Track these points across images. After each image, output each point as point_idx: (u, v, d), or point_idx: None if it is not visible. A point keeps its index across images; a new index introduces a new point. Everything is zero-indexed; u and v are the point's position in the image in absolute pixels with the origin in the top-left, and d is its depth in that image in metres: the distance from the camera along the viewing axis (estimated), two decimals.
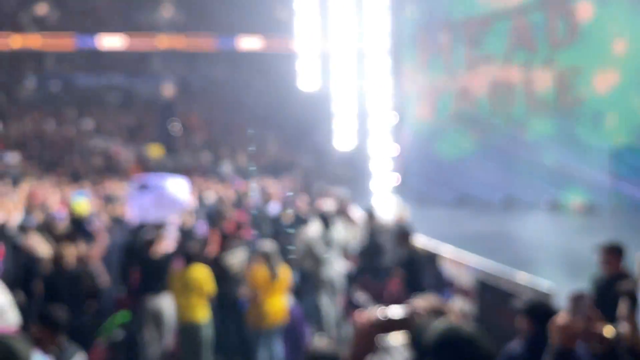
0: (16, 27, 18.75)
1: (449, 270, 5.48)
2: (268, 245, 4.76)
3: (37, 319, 2.76)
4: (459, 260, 5.49)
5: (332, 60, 14.38)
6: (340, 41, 13.96)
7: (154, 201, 6.49)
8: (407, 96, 13.30)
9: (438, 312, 2.35)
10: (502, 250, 6.90)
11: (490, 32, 12.35)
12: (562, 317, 1.67)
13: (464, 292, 5.08)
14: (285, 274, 4.67)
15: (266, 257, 4.56)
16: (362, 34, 13.22)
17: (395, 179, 12.31)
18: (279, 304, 4.55)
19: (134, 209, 6.72)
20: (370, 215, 6.57)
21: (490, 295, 4.64)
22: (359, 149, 13.42)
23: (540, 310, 2.49)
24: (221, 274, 4.85)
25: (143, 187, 6.85)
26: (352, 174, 13.65)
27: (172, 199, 6.63)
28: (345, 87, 13.74)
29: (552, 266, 6.61)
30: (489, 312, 4.56)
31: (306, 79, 15.91)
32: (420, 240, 5.74)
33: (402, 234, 5.26)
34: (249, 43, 18.55)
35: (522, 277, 4.46)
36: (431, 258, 5.55)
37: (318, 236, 5.54)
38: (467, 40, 12.73)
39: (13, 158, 15.30)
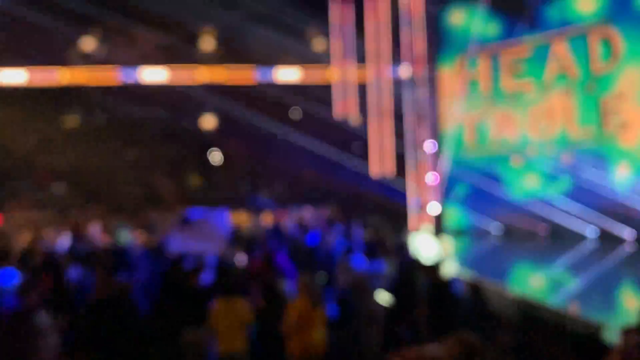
0: (63, 61, 19.58)
1: (493, 302, 5.35)
2: (308, 276, 4.76)
3: (81, 346, 2.81)
4: (502, 292, 5.36)
5: (369, 88, 14.48)
6: (378, 69, 14.07)
7: (195, 233, 6.62)
8: (446, 124, 13.24)
9: (473, 352, 2.28)
10: (548, 283, 6.71)
11: (529, 58, 12.26)
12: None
13: (508, 326, 4.95)
14: (324, 305, 4.65)
15: (306, 288, 4.55)
16: (400, 61, 13.30)
17: (435, 208, 12.19)
18: (319, 335, 4.52)
19: (176, 240, 6.86)
20: (401, 247, 6.51)
21: (536, 328, 4.50)
22: (397, 178, 13.37)
23: (589, 347, 2.40)
24: (272, 300, 4.86)
25: (185, 221, 7.00)
26: (389, 203, 13.57)
27: (212, 232, 6.75)
28: (383, 115, 13.78)
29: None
30: (534, 346, 4.42)
31: (343, 108, 16.03)
32: (463, 272, 5.65)
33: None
34: (286, 75, 18.87)
35: (572, 309, 4.32)
36: (474, 290, 5.44)
37: (362, 267, 5.52)
38: (505, 67, 12.65)
39: (58, 188, 15.84)
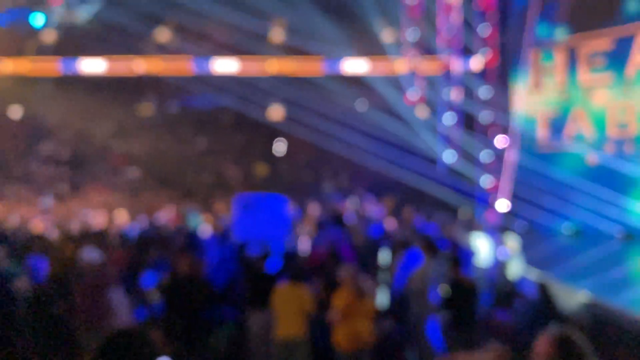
0: (139, 52, 20.37)
1: (563, 303, 5.19)
2: (352, 267, 4.78)
3: (156, 325, 2.96)
4: (571, 293, 5.20)
5: (438, 80, 14.27)
6: (447, 61, 13.83)
7: (256, 219, 6.73)
8: (517, 118, 12.85)
9: (570, 347, 2.15)
10: (621, 285, 6.43)
11: (609, 51, 11.68)
12: None
13: (578, 328, 4.79)
14: (373, 296, 4.67)
15: (351, 279, 4.56)
16: (470, 53, 13.01)
17: (503, 205, 11.89)
18: (365, 325, 4.52)
19: (239, 225, 7.01)
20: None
21: (607, 331, 4.35)
22: (464, 173, 13.12)
23: None
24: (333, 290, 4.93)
25: (247, 206, 7.11)
26: (455, 198, 13.35)
27: (274, 217, 6.84)
28: (452, 108, 13.55)
29: None
30: (605, 350, 4.27)
31: (411, 100, 15.89)
32: (532, 272, 5.51)
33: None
34: (354, 66, 18.86)
35: None
36: (543, 291, 5.29)
37: (427, 262, 5.47)
38: (583, 60, 12.12)
39: (133, 173, 16.61)
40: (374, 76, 17.91)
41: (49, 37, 22.02)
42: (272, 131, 18.62)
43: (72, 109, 20.47)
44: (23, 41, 21.91)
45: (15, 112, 20.99)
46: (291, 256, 6.01)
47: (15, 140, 18.78)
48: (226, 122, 19.99)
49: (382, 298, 5.22)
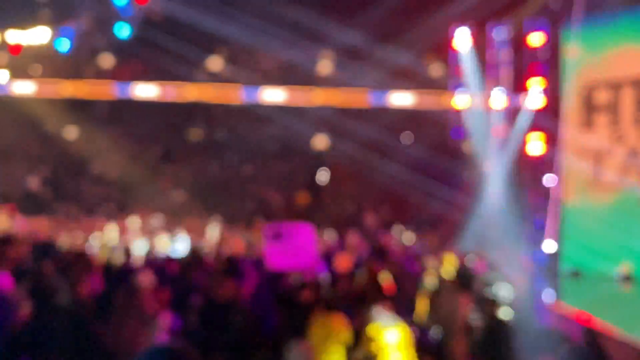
0: (190, 79, 20.99)
1: (614, 353, 4.93)
2: (388, 301, 4.70)
3: (194, 345, 2.93)
4: (626, 341, 4.92)
5: (488, 115, 14.09)
6: (497, 96, 13.67)
7: (285, 248, 6.62)
8: (568, 157, 12.51)
9: None
10: None
11: None
12: None
13: None
14: (407, 332, 4.58)
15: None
16: (521, 89, 12.83)
17: (550, 246, 11.50)
18: (405, 358, 4.42)
19: (269, 255, 6.92)
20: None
21: None
22: (512, 210, 12.80)
23: None
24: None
25: (276, 235, 7.01)
26: (501, 236, 13.01)
27: (301, 247, 6.73)
28: (500, 144, 13.32)
29: None
30: None
31: (458, 134, 15.72)
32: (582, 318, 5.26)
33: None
34: (401, 99, 18.87)
35: None
36: (592, 338, 5.03)
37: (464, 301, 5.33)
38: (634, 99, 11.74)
39: (179, 196, 16.95)
40: (423, 109, 17.86)
41: (106, 61, 22.98)
42: (316, 161, 18.73)
43: (123, 132, 21.18)
44: (81, 64, 22.94)
45: (71, 132, 21.86)
46: (328, 285, 5.94)
47: (69, 160, 19.49)
48: (271, 150, 20.26)
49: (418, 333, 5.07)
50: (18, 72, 22.14)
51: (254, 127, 21.36)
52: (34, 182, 17.43)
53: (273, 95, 19.84)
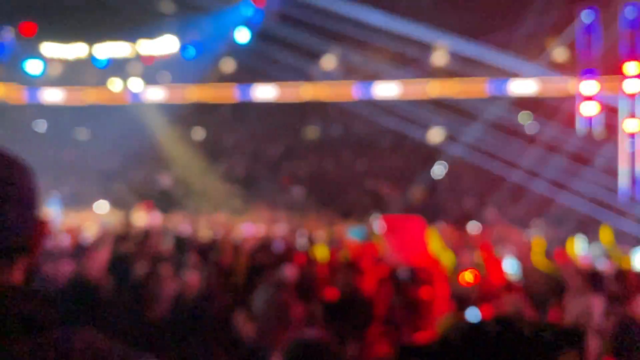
0: (306, 78, 21.48)
1: None
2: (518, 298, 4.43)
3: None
4: None
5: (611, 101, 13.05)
6: (624, 81, 12.61)
7: (399, 242, 6.53)
8: None
9: None
10: None
11: None
12: None
13: None
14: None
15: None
16: None
17: None
18: None
19: (385, 248, 6.84)
20: None
21: None
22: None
23: None
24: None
25: (391, 229, 6.88)
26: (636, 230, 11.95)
27: (413, 241, 6.59)
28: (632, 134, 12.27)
29: None
30: None
31: (584, 121, 14.70)
32: None
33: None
34: (521, 87, 17.98)
35: None
36: None
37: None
38: None
39: (298, 192, 17.43)
40: (546, 97, 16.90)
41: (228, 65, 24.16)
42: (431, 154, 18.35)
43: (245, 132, 22.17)
44: (205, 69, 24.31)
45: (198, 134, 23.26)
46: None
47: (196, 159, 20.75)
48: (386, 145, 20.16)
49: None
50: (149, 80, 23.97)
51: (367, 122, 21.43)
52: (166, 181, 18.72)
53: (386, 89, 19.71)
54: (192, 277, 5.18)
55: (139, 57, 24.66)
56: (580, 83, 14.74)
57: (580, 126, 14.77)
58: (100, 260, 5.35)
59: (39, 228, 0.83)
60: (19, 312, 0.76)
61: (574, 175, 14.11)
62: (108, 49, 24.56)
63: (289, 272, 4.97)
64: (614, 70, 14.20)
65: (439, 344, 0.92)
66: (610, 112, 14.12)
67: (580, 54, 14.84)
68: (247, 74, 23.31)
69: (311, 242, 8.38)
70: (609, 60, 14.05)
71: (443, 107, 19.75)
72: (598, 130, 14.29)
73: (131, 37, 23.24)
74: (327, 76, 21.64)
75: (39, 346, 0.75)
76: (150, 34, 23.66)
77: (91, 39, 24.25)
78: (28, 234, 0.81)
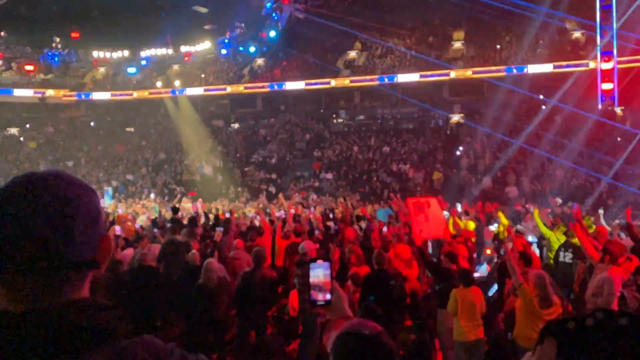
0: (334, 70, 21.77)
1: None
2: (542, 274, 4.47)
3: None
4: None
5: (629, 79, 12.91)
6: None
7: (425, 220, 6.64)
8: None
9: None
10: None
11: None
12: None
13: None
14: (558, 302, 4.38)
15: (539, 284, 4.27)
16: None
17: None
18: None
19: (415, 228, 6.99)
20: None
21: None
22: None
23: None
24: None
25: (418, 210, 6.99)
26: None
27: (436, 218, 6.71)
28: None
29: None
30: None
31: (604, 100, 14.60)
32: None
33: None
34: (538, 68, 17.94)
35: None
36: None
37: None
38: None
39: (328, 176, 17.83)
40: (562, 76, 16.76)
41: (258, 63, 24.65)
42: (453, 138, 18.34)
43: (277, 123, 22.56)
44: (233, 69, 24.81)
45: (233, 126, 23.77)
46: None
47: (235, 150, 21.29)
48: (409, 129, 20.25)
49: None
50: (190, 78, 24.64)
51: (392, 109, 21.57)
52: (208, 170, 19.30)
53: (407, 77, 19.80)
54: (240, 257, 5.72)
55: (178, 56, 25.39)
56: (600, 60, 14.61)
57: (602, 101, 14.58)
58: (154, 247, 5.86)
59: (105, 243, 0.87)
60: (89, 324, 0.79)
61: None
62: (150, 51, 25.41)
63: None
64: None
65: (576, 327, 1.02)
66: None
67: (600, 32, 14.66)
68: (278, 67, 23.72)
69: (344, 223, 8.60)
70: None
71: (464, 90, 19.76)
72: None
73: (172, 39, 24.08)
74: (354, 67, 21.86)
75: (106, 357, 0.78)
76: (190, 36, 24.39)
77: (134, 44, 25.21)
78: (95, 249, 0.85)
